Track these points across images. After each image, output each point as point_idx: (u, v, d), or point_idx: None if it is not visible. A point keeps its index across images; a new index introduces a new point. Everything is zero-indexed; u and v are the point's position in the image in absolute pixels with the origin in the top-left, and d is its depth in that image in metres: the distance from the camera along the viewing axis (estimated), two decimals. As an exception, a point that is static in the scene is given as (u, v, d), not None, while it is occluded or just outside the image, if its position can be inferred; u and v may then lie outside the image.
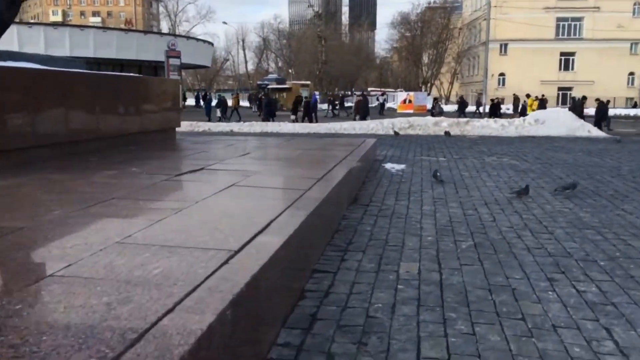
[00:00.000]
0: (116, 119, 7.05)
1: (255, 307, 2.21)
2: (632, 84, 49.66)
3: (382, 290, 3.11)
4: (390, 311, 2.82)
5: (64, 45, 32.68)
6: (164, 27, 75.95)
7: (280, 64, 72.06)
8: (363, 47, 72.54)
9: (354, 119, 24.19)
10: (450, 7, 61.60)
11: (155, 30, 71.97)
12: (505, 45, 49.83)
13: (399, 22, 61.98)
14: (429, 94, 47.12)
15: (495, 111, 27.30)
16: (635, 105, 43.49)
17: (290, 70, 65.19)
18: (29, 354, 1.45)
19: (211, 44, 51.87)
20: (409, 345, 2.44)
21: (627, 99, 47.24)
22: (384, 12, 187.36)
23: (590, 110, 22.87)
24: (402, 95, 43.04)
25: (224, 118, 25.81)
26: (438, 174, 7.28)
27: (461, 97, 34.03)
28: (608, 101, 22.27)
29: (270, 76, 52.97)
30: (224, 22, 79.94)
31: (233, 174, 5.03)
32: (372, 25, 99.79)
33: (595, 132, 16.94)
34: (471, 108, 33.31)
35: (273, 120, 23.25)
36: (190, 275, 2.12)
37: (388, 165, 8.78)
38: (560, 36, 50.05)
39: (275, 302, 2.58)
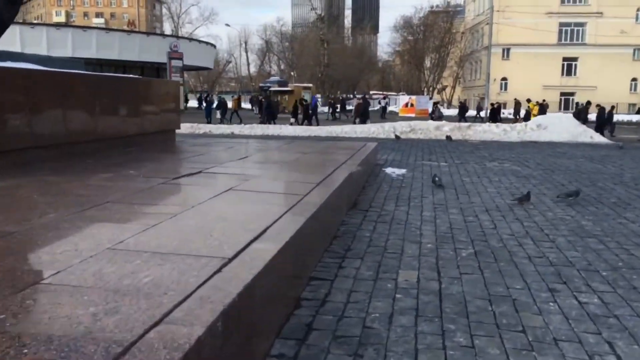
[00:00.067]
0: (115, 120, 7.00)
1: (248, 317, 2.15)
2: (635, 89, 49.49)
3: (379, 300, 3.05)
4: (387, 321, 2.75)
5: (67, 46, 32.79)
6: (167, 28, 76.29)
7: (282, 67, 72.04)
8: (365, 50, 72.57)
9: (354, 122, 24.12)
10: (453, 12, 61.79)
11: (158, 31, 72.23)
12: (508, 49, 49.73)
13: (402, 26, 62.20)
14: (431, 98, 47.07)
15: (495, 116, 27.28)
16: (638, 111, 43.29)
17: (292, 73, 65.20)
18: (8, 368, 1.39)
19: (214, 46, 52.00)
20: (406, 358, 2.38)
21: (629, 104, 46.97)
22: (387, 15, 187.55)
23: (593, 116, 22.78)
24: (404, 98, 43.08)
25: (223, 120, 25.74)
26: (437, 178, 7.22)
27: (462, 102, 33.96)
28: (613, 107, 22.06)
29: (273, 78, 52.90)
30: (227, 24, 79.87)
31: (231, 177, 4.98)
32: (375, 29, 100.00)
33: (598, 138, 16.86)
34: (472, 112, 33.22)
35: (274, 123, 23.17)
36: (181, 284, 2.06)
37: (389, 170, 8.72)
38: (562, 41, 49.91)
39: (270, 311, 2.52)
